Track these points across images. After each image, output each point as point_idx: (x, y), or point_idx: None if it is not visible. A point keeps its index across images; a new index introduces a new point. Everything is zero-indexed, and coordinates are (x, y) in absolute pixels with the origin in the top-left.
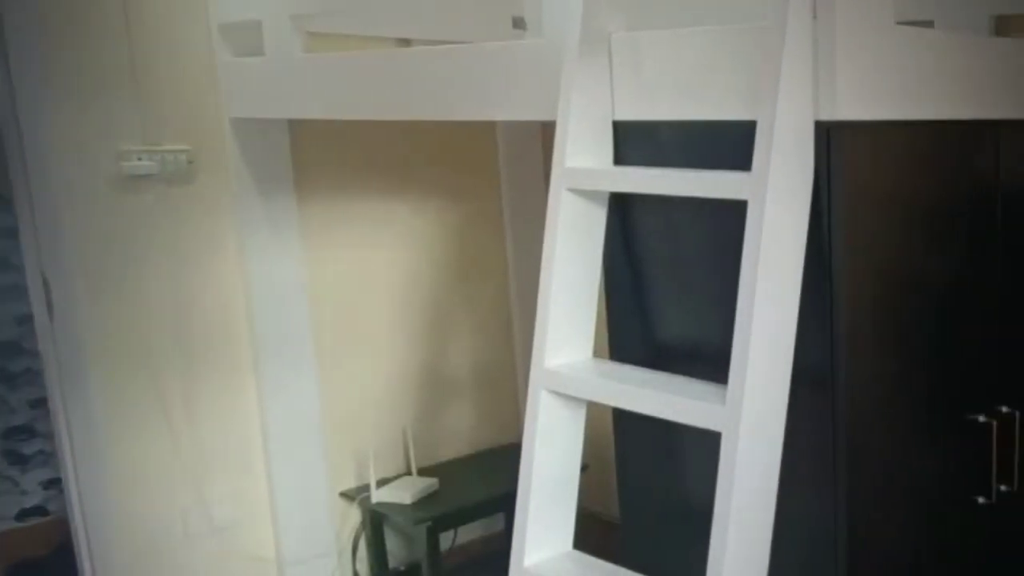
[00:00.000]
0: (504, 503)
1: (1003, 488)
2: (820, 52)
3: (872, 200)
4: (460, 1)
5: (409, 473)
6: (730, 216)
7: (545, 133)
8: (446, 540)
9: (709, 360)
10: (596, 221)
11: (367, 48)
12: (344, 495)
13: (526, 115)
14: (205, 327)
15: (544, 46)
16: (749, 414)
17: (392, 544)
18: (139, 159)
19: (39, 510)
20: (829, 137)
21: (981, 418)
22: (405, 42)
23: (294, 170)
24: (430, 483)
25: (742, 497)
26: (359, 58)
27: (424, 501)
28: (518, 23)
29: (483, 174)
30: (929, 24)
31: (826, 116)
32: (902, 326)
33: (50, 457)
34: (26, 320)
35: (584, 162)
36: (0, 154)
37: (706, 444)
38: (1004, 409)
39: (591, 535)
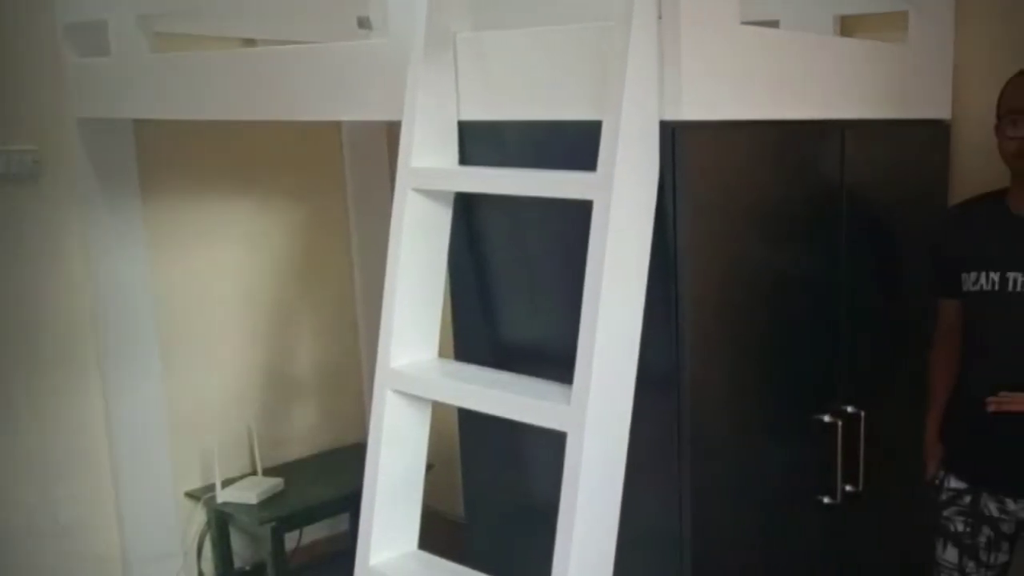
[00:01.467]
0: (349, 503)
1: (848, 488)
2: (665, 52)
3: (717, 200)
4: (305, 1)
5: (254, 473)
6: (576, 216)
7: (391, 133)
8: (291, 540)
9: (555, 360)
10: (441, 221)
11: (213, 49)
12: (190, 495)
13: (371, 115)
14: (50, 326)
15: (389, 46)
16: (594, 414)
17: (237, 544)
18: None
19: None
20: (674, 137)
21: (826, 418)
22: (251, 42)
23: (140, 170)
24: (275, 483)
25: (587, 496)
26: (205, 58)
27: (269, 501)
28: (363, 23)
29: (328, 174)
30: (774, 24)
31: (671, 116)
32: (747, 326)
33: None
34: None
35: (429, 162)
36: None
37: (551, 443)
38: (849, 409)
39: (436, 534)
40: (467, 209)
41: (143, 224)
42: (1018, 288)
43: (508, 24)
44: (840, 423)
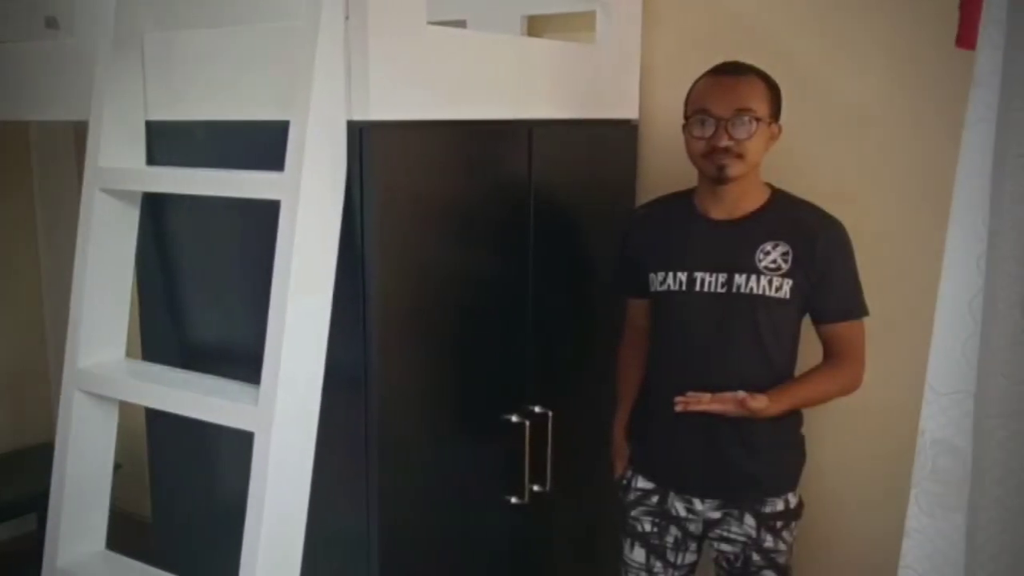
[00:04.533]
0: (37, 503)
1: (536, 488)
2: (352, 53)
3: (405, 200)
4: None
5: None
6: (265, 216)
7: (79, 133)
8: None
9: (243, 360)
10: (129, 221)
11: None
12: None
13: (58, 115)
14: None
15: (76, 46)
16: (281, 414)
17: None
18: None
19: None
20: (362, 137)
21: (514, 418)
22: None
23: None
24: None
25: (275, 496)
26: None
27: None
28: (50, 22)
29: (15, 173)
30: (462, 24)
31: (359, 116)
32: (436, 326)
33: None
34: None
35: (117, 162)
36: None
37: (240, 443)
38: (537, 409)
39: (125, 535)
40: (156, 209)
41: None
42: (706, 288)
43: (197, 24)
44: (528, 423)
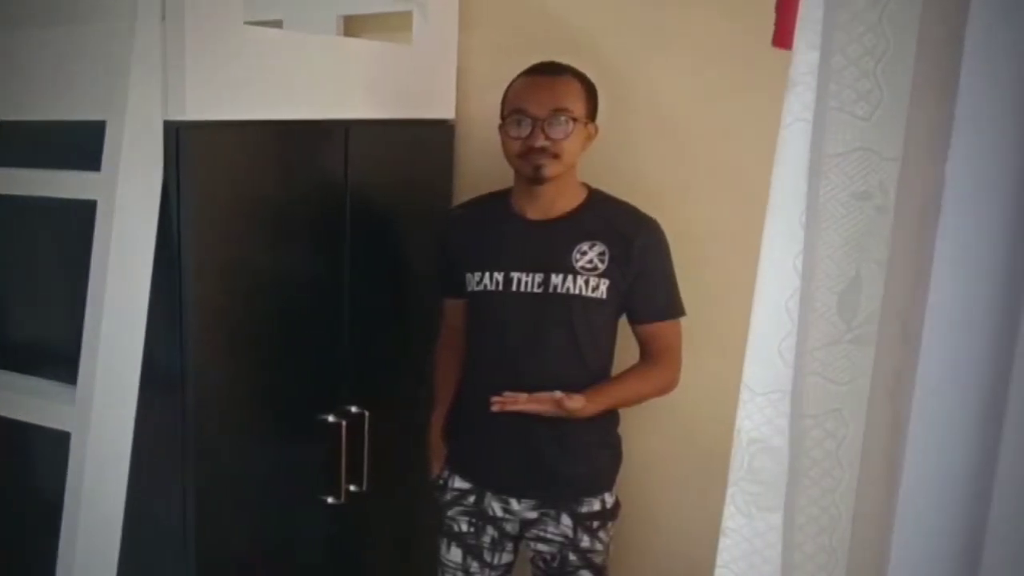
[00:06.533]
0: None
1: (352, 488)
2: (169, 53)
3: (222, 200)
4: None
5: None
6: (82, 216)
7: None
8: None
9: (61, 360)
10: None
11: None
12: None
13: None
14: None
15: None
16: (98, 414)
17: None
18: None
19: None
20: (178, 137)
21: (331, 418)
22: None
23: None
24: None
25: (91, 496)
26: None
27: None
28: None
29: None
30: (279, 24)
31: (175, 116)
32: (252, 326)
33: None
34: None
35: None
36: None
37: (58, 444)
38: (353, 409)
39: None
40: None
41: None
42: (522, 288)
43: (13, 23)
44: (344, 423)
